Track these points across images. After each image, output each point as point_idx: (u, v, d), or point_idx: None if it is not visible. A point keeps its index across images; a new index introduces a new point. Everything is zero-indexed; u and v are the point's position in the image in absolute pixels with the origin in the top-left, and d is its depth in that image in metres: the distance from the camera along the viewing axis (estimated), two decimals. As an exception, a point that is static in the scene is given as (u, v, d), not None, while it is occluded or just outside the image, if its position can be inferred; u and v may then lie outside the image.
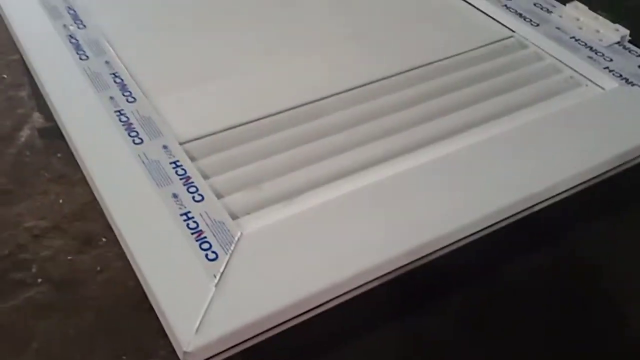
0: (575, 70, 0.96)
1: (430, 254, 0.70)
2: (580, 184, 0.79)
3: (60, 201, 1.92)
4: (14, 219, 1.85)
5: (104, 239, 1.82)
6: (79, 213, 1.88)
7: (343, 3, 1.12)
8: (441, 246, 0.71)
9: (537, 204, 0.76)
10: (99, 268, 1.63)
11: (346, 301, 0.68)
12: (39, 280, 1.60)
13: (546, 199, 0.76)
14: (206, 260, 0.66)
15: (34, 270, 1.63)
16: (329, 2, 1.13)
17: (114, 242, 1.81)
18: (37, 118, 2.15)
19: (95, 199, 1.96)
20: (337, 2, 1.13)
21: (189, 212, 0.71)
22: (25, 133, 2.14)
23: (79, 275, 1.62)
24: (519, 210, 0.74)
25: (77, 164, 2.07)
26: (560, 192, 0.77)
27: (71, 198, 1.93)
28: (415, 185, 0.76)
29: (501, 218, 0.73)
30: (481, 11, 1.10)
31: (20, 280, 1.59)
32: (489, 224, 0.73)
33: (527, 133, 0.84)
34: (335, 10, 1.10)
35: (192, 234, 0.68)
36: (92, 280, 1.60)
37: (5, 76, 2.39)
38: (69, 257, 1.76)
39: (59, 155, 2.06)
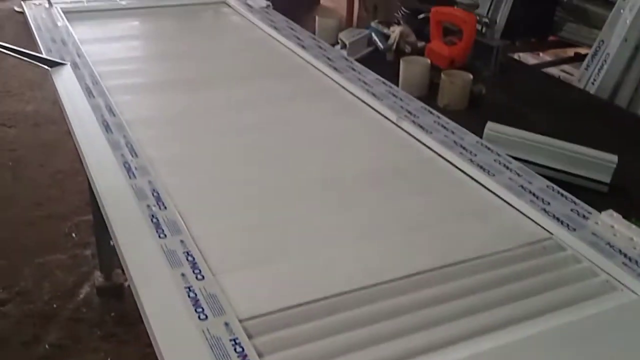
0: (610, 275, 1.02)
1: None
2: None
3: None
4: (63, 375, 1.91)
5: (145, 403, 1.84)
6: (124, 374, 1.93)
7: (391, 196, 1.24)
8: None
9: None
10: None
11: None
12: None
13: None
14: None
15: None
16: (377, 194, 1.24)
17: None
18: (98, 277, 2.29)
19: (140, 362, 1.99)
20: (385, 195, 1.24)
21: (244, 388, 0.76)
22: (85, 290, 2.27)
23: None
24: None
25: (129, 324, 2.15)
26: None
27: (119, 358, 2.00)
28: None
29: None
30: (521, 212, 1.19)
31: None
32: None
33: (562, 334, 0.89)
34: (383, 202, 1.22)
35: (245, 410, 0.73)
36: None
37: (74, 235, 2.58)
38: (110, 419, 1.78)
39: (112, 314, 2.17)
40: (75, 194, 2.86)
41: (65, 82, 1.61)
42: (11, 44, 4.56)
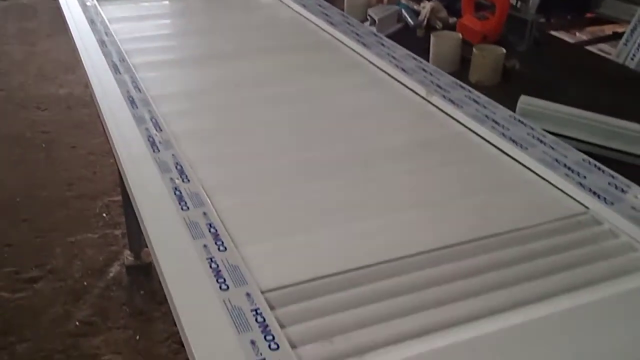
0: (650, 250, 0.98)
1: None
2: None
3: (137, 337, 2.00)
4: (92, 351, 1.93)
5: (173, 380, 1.85)
6: (153, 351, 1.95)
7: (421, 170, 1.21)
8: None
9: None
10: (165, 408, 1.65)
11: None
12: (106, 416, 1.64)
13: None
14: (277, 408, 0.68)
15: (102, 405, 1.67)
16: (407, 168, 1.21)
17: (183, 384, 1.84)
18: (128, 256, 2.30)
19: (169, 338, 2.03)
20: (414, 169, 1.21)
21: (264, 359, 0.74)
22: (114, 269, 2.29)
23: (145, 414, 1.64)
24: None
25: (158, 302, 2.16)
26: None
27: (147, 335, 2.01)
28: (480, 354, 0.78)
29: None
30: (555, 186, 1.14)
31: (89, 414, 1.63)
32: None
33: (600, 310, 0.85)
34: (412, 175, 1.19)
35: (266, 381, 0.72)
36: (158, 420, 1.61)
37: (105, 215, 2.61)
38: (138, 395, 1.79)
39: (141, 292, 2.18)
40: (106, 175, 2.89)
41: (93, 58, 1.60)
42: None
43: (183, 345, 0.80)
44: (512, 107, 1.43)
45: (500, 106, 1.40)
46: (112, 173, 2.86)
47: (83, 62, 1.59)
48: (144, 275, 2.22)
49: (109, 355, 1.92)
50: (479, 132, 1.32)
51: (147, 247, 0.98)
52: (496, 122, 1.33)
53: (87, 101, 3.54)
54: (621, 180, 1.13)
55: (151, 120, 1.30)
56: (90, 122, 3.35)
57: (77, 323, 2.02)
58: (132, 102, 1.38)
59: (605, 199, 1.08)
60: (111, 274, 2.25)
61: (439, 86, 1.51)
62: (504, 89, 1.65)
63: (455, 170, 1.21)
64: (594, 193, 1.10)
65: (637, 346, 0.79)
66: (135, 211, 1.05)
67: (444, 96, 1.46)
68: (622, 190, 1.10)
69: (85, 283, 2.20)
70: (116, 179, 2.73)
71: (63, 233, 2.45)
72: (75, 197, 2.72)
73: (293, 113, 1.41)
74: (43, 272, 2.24)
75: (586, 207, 1.08)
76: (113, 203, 2.66)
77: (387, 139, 1.32)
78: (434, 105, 1.45)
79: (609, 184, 1.13)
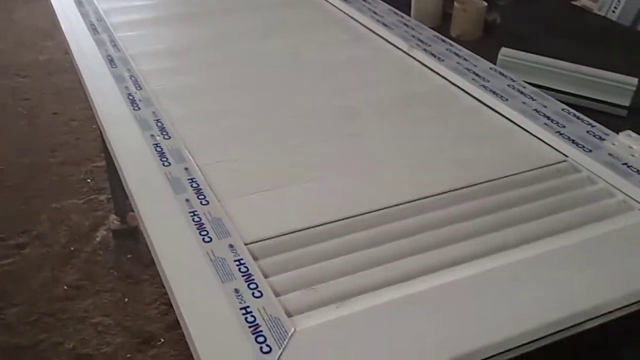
0: (627, 195, 0.99)
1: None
2: (628, 305, 0.79)
3: (126, 300, 2.01)
4: (81, 314, 1.94)
5: (162, 340, 1.87)
6: (141, 312, 1.96)
7: (402, 122, 1.21)
8: (490, 355, 0.72)
9: (582, 323, 0.77)
10: (155, 367, 1.67)
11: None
12: (97, 376, 1.66)
13: (592, 319, 0.77)
14: (260, 352, 0.70)
15: (93, 365, 1.69)
16: (389, 121, 1.21)
17: (171, 343, 1.87)
18: (113, 220, 2.30)
19: (157, 300, 2.04)
20: (396, 122, 1.21)
21: (248, 306, 0.76)
22: (101, 233, 2.29)
23: (136, 373, 1.66)
24: (563, 327, 0.76)
25: (145, 265, 2.16)
26: (606, 312, 0.78)
27: (136, 297, 2.02)
28: (461, 296, 0.79)
29: (545, 334, 0.75)
30: (535, 136, 1.15)
31: (80, 374, 1.65)
32: (534, 338, 0.74)
33: (577, 252, 0.87)
34: (394, 128, 1.19)
35: (250, 327, 0.73)
36: (148, 378, 1.63)
37: (89, 181, 2.59)
38: (127, 355, 1.81)
39: (129, 256, 2.19)
40: (89, 141, 2.86)
41: (70, 19, 1.58)
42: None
43: (171, 307, 0.81)
44: (493, 60, 1.43)
45: (481, 59, 1.41)
46: (95, 139, 2.83)
47: (60, 23, 1.57)
48: (131, 239, 2.22)
49: (98, 318, 1.94)
50: (460, 85, 1.32)
51: (132, 211, 0.98)
52: (477, 75, 1.34)
53: (68, 67, 3.48)
54: (599, 128, 1.15)
55: (130, 78, 1.29)
56: (72, 89, 3.30)
57: (66, 287, 2.03)
58: (110, 61, 1.36)
59: (583, 147, 1.09)
60: (98, 239, 2.25)
61: (420, 40, 1.50)
62: (486, 43, 1.65)
63: (436, 123, 1.22)
64: (573, 141, 1.11)
65: (614, 285, 0.81)
66: (117, 168, 1.05)
67: (425, 50, 1.45)
68: (600, 138, 1.12)
69: (72, 248, 2.20)
70: (99, 145, 2.70)
71: (48, 199, 2.44)
72: (59, 163, 2.70)
73: (275, 69, 1.41)
74: (29, 238, 2.24)
75: (565, 156, 1.10)
76: (97, 169, 2.65)
77: (369, 93, 1.32)
78: (415, 59, 1.45)
79: (588, 132, 1.14)
